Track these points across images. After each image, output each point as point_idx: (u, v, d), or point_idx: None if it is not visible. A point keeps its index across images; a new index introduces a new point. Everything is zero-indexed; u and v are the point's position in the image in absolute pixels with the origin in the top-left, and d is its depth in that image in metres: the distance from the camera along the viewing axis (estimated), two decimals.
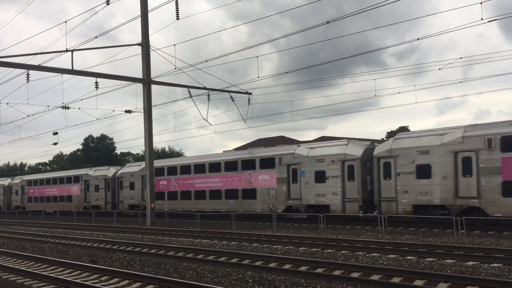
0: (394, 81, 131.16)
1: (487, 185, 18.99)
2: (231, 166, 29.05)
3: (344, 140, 25.66)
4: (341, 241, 16.45)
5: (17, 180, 53.71)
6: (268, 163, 27.05)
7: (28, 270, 12.66)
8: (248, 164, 28.05)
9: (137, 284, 10.59)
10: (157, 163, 33.30)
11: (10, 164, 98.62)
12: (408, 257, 12.89)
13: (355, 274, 10.83)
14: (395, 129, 67.18)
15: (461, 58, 21.73)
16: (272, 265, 12.44)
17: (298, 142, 48.61)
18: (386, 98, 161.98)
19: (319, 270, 11.45)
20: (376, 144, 25.00)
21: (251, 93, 28.87)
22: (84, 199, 41.61)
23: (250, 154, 28.82)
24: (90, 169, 43.90)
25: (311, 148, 25.77)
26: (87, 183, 41.42)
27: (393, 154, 21.93)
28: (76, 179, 42.73)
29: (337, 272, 11.12)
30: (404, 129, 65.01)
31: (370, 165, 23.31)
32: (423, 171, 20.79)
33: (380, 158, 22.46)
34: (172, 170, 33.18)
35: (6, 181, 55.59)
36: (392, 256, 13.21)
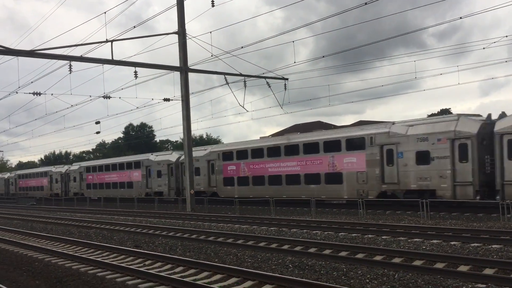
0: (435, 62, 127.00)
1: (218, 179, 33.13)
2: (121, 166, 43.97)
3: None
4: (381, 226, 16.25)
5: (12, 174, 71.22)
6: (137, 165, 41.62)
7: (76, 254, 13.19)
8: (129, 165, 42.67)
9: (180, 268, 10.85)
10: (85, 164, 52.19)
11: (56, 153, 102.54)
12: (452, 243, 12.60)
13: (397, 260, 10.68)
14: (436, 112, 65.26)
15: (506, 36, 20.62)
16: (312, 250, 12.44)
17: (335, 127, 48.09)
18: (427, 80, 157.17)
19: (360, 255, 11.37)
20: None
21: (287, 79, 28.73)
22: (50, 188, 56.56)
23: (129, 159, 44.73)
24: (54, 166, 60.02)
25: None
26: (51, 177, 56.28)
27: (179, 161, 36.34)
28: (45, 174, 58.02)
29: (378, 258, 11.01)
30: (445, 111, 62.98)
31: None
32: (197, 172, 33.47)
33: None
34: (94, 169, 48.68)
35: (5, 175, 73.54)
36: (435, 241, 12.94)
